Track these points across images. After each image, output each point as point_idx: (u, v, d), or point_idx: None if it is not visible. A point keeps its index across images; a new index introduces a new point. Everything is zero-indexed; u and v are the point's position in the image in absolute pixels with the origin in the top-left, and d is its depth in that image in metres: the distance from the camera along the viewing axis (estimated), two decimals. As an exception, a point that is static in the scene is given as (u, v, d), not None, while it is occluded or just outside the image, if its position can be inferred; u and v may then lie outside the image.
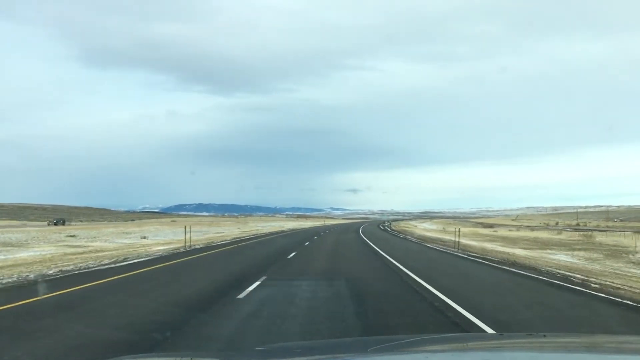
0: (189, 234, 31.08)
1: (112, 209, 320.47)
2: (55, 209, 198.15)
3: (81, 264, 17.89)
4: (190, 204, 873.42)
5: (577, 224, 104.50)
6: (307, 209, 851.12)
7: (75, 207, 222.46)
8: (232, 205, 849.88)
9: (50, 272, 15.46)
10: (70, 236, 42.13)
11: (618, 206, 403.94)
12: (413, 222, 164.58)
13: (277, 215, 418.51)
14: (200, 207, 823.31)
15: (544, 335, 3.55)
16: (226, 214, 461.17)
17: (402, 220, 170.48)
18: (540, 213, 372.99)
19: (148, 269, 16.92)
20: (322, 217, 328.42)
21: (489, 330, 7.67)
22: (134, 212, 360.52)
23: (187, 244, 29.46)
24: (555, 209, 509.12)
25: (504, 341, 3.65)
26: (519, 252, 27.25)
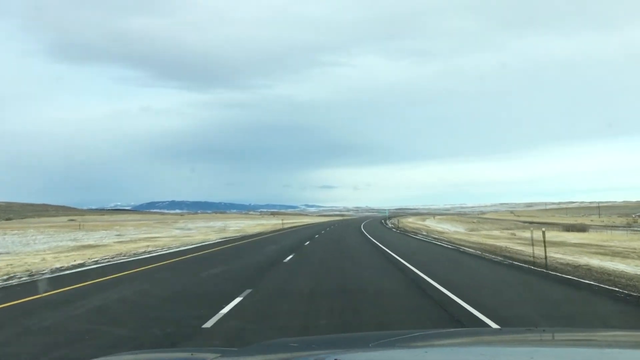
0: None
1: (77, 207, 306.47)
2: (9, 206, 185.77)
3: None
4: (163, 202, 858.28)
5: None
6: (281, 206, 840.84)
7: (31, 205, 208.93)
8: (205, 202, 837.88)
9: None
10: None
11: (590, 202, 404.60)
12: (411, 219, 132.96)
13: (251, 213, 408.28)
14: (173, 204, 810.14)
15: (544, 330, 3.58)
16: (199, 212, 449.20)
17: (387, 217, 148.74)
18: (514, 209, 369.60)
19: None
20: (296, 214, 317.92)
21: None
22: (104, 209, 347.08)
23: None
24: (529, 205, 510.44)
25: (504, 336, 3.67)
26: None
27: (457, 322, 8.66)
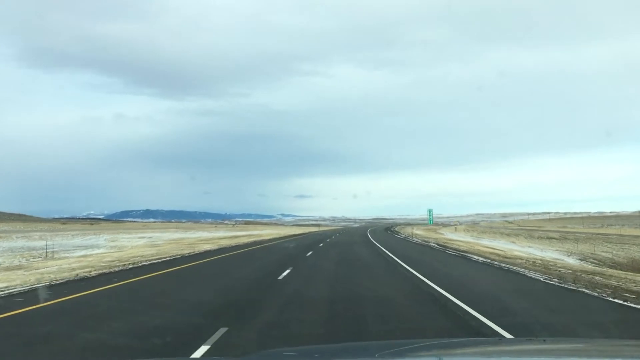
0: None
1: (44, 216, 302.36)
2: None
3: None
4: (138, 210, 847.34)
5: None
6: (257, 215, 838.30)
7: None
8: (180, 211, 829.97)
9: None
10: None
11: (565, 212, 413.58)
12: (418, 231, 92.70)
13: (226, 222, 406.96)
14: (148, 213, 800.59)
15: (544, 340, 3.63)
16: (173, 221, 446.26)
17: (374, 228, 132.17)
18: (490, 220, 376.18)
19: None
20: (269, 224, 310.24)
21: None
22: (76, 218, 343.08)
23: None
24: (504, 215, 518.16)
25: (504, 346, 3.65)
26: None
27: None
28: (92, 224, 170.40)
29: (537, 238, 66.68)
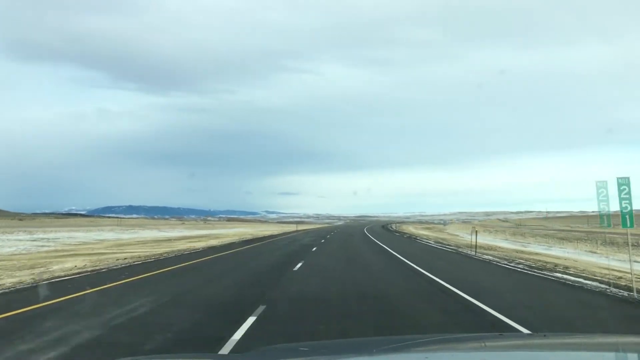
0: None
1: (24, 211, 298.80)
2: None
3: None
4: (120, 206, 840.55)
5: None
6: (242, 212, 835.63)
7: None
8: (164, 207, 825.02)
9: None
10: None
11: (547, 211, 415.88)
12: (423, 231, 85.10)
13: (209, 219, 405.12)
14: (131, 209, 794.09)
15: (545, 335, 3.61)
16: (156, 217, 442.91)
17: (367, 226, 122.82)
18: (474, 218, 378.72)
19: None
20: (254, 221, 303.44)
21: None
22: (58, 214, 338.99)
23: None
24: (487, 214, 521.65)
25: (505, 341, 3.62)
26: None
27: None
28: (21, 220, 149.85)
29: (555, 238, 52.22)
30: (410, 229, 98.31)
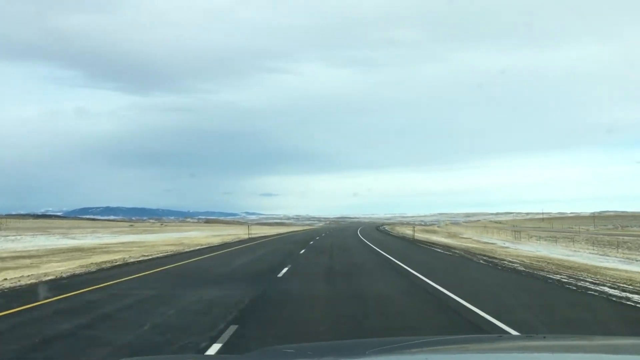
0: None
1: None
2: None
3: None
4: (97, 207, 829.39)
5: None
6: (221, 213, 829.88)
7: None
8: (142, 209, 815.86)
9: None
10: None
11: (526, 213, 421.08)
12: (422, 234, 76.79)
13: (188, 220, 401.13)
14: (108, 210, 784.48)
15: (544, 337, 3.54)
16: (134, 218, 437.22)
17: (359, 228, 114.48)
18: (454, 219, 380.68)
19: None
20: (234, 223, 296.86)
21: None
22: (33, 215, 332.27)
23: None
24: (468, 215, 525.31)
25: (504, 343, 3.62)
26: None
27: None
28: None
29: (609, 245, 45.60)
30: (423, 236, 71.24)
